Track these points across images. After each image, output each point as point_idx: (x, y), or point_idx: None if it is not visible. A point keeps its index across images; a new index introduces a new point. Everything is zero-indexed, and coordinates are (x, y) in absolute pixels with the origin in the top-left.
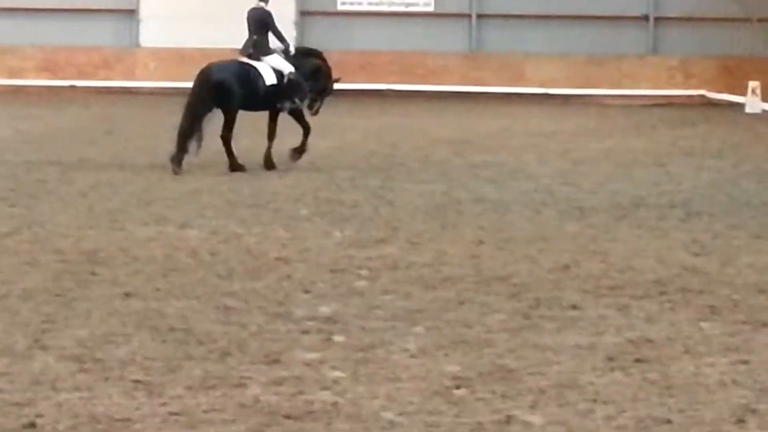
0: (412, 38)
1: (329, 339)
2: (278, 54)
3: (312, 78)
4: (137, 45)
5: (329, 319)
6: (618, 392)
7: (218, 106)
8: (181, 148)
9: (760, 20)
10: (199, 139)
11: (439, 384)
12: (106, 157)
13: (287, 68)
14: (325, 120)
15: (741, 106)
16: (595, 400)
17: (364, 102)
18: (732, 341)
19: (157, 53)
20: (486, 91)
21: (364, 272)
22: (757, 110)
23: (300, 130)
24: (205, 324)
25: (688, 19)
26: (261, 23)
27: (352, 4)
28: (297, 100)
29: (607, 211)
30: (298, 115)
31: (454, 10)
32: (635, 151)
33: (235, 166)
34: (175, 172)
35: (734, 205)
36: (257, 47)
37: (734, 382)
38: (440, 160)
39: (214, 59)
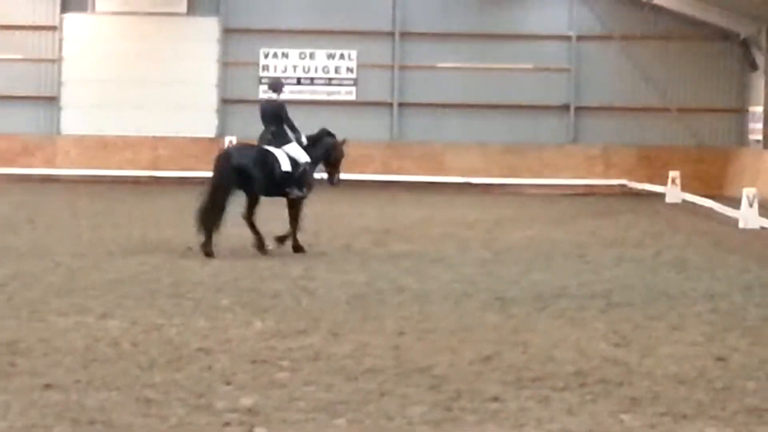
0: (334, 127)
1: (251, 431)
2: (296, 144)
3: (326, 154)
4: (58, 132)
5: (250, 411)
6: None
7: (240, 189)
8: (208, 232)
9: (679, 110)
10: (221, 219)
11: None
12: (26, 245)
13: (304, 158)
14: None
15: (661, 195)
16: None
17: None
18: None
19: (79, 140)
20: (407, 180)
21: (285, 363)
22: (677, 200)
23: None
24: (126, 416)
25: (608, 109)
26: (276, 115)
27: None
28: (304, 190)
29: (528, 301)
30: (298, 205)
31: (375, 98)
32: (556, 241)
33: (260, 244)
34: (208, 255)
35: (654, 296)
36: (276, 137)
37: None
38: (361, 250)
39: (135, 146)
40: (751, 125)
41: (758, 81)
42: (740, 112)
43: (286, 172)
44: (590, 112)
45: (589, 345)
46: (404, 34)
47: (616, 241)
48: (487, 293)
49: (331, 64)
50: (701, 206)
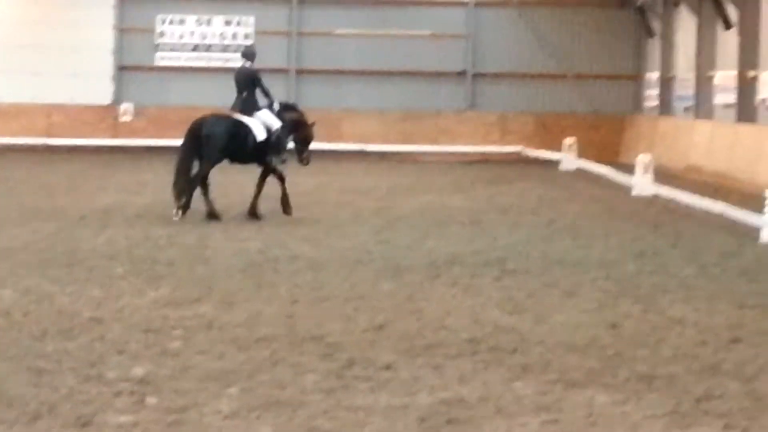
0: (230, 93)
1: (142, 401)
2: (267, 110)
3: (294, 130)
4: None
5: (142, 381)
6: None
7: (201, 157)
8: (179, 198)
9: (575, 77)
10: (193, 186)
11: None
12: None
13: (276, 124)
14: (141, 176)
15: (557, 162)
16: None
17: None
18: (544, 400)
19: None
20: None
21: (178, 332)
22: (572, 167)
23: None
24: (17, 386)
25: (505, 75)
26: (249, 82)
27: (170, 59)
28: (282, 156)
29: (422, 269)
30: (274, 170)
31: (272, 65)
32: (451, 208)
33: (211, 213)
34: (177, 215)
35: (548, 263)
36: (248, 105)
37: None
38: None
39: (28, 114)
40: (647, 92)
41: (654, 48)
42: (636, 79)
43: (262, 141)
44: (487, 79)
45: (483, 312)
46: (302, 1)
47: (511, 208)
48: (382, 261)
49: (228, 30)
50: (596, 173)
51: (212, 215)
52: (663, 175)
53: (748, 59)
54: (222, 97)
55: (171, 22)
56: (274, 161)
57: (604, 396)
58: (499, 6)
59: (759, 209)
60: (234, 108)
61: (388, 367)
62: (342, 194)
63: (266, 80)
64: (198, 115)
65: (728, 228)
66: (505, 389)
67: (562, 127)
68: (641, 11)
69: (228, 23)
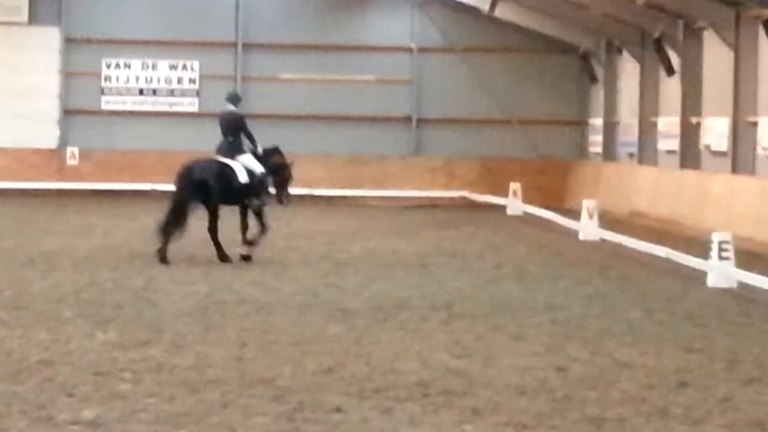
0: (176, 137)
1: None
2: (250, 155)
3: (276, 173)
4: None
5: (92, 423)
6: None
7: (201, 202)
8: (166, 240)
9: (520, 122)
10: (182, 231)
11: None
12: None
13: (258, 169)
14: (88, 220)
15: (503, 207)
16: None
17: (128, 202)
18: None
19: None
20: None
21: (127, 375)
22: (518, 212)
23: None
24: None
25: (450, 121)
26: (235, 126)
27: (116, 103)
28: (263, 199)
29: (370, 312)
30: (260, 213)
31: (218, 109)
32: (398, 252)
33: (222, 256)
34: (163, 261)
35: (496, 307)
36: (232, 148)
37: None
38: (204, 261)
39: None
40: (591, 137)
41: (598, 93)
42: (580, 125)
43: (245, 184)
44: (432, 124)
45: (432, 356)
46: (247, 45)
47: (458, 252)
48: (330, 305)
49: (174, 74)
50: (542, 218)
51: (225, 258)
52: (608, 220)
53: (690, 105)
54: (167, 141)
55: (117, 66)
56: (255, 203)
57: None
58: (444, 52)
59: (704, 254)
60: (219, 151)
61: (338, 410)
62: (289, 238)
63: (212, 125)
64: (144, 159)
65: (674, 272)
66: None
67: (507, 172)
68: (585, 57)
69: (173, 67)
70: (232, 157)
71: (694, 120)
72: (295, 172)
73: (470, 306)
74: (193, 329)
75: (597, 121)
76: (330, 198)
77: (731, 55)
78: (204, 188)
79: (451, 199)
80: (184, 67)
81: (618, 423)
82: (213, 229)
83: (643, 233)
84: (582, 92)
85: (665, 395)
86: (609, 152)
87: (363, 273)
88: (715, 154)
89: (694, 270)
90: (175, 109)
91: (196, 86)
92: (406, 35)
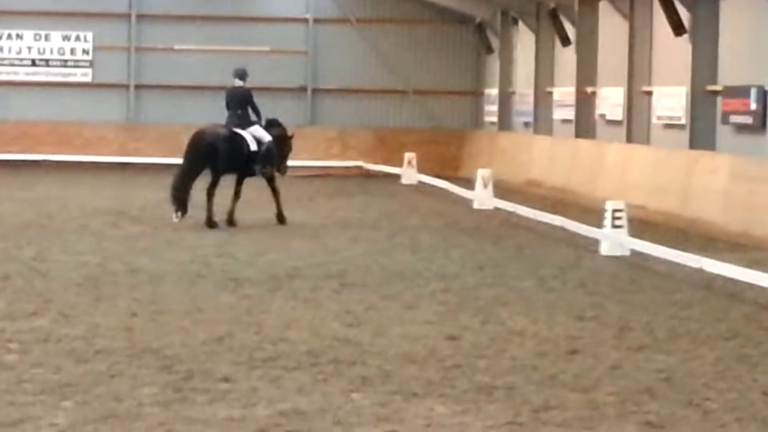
0: (69, 108)
1: None
2: (258, 126)
3: (277, 145)
4: None
5: None
6: None
7: (207, 166)
8: (181, 203)
9: (415, 92)
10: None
11: None
12: None
13: (266, 137)
14: None
15: (397, 177)
16: None
17: (19, 172)
18: (383, 412)
19: None
20: (144, 162)
21: (14, 345)
22: (413, 181)
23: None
24: None
25: (345, 91)
26: (243, 100)
27: (8, 74)
28: (269, 166)
29: (262, 282)
30: (272, 179)
31: (111, 80)
32: (292, 222)
33: (210, 221)
34: (212, 226)
35: (388, 276)
36: (242, 121)
37: None
38: (96, 231)
39: None
40: (487, 107)
41: (493, 64)
42: (476, 95)
43: (253, 152)
44: (328, 95)
45: (323, 325)
46: (141, 16)
47: (352, 222)
48: (222, 274)
49: (67, 45)
50: (436, 187)
51: (211, 223)
52: (503, 190)
53: (585, 76)
54: (60, 112)
55: (9, 37)
56: (260, 170)
57: (443, 407)
58: (339, 22)
59: (598, 222)
60: (229, 124)
61: (226, 380)
62: None
63: (106, 95)
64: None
65: (568, 241)
66: (344, 401)
67: (402, 142)
68: (480, 28)
69: (66, 38)
70: (242, 128)
71: (589, 90)
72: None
73: (363, 275)
74: (82, 299)
75: (492, 92)
76: None
77: (626, 25)
78: (213, 153)
79: (347, 168)
80: (77, 38)
81: (508, 391)
82: (211, 193)
83: (537, 202)
84: (478, 63)
85: (556, 363)
86: (504, 122)
87: (257, 243)
88: (610, 123)
89: (588, 238)
90: (69, 79)
91: (90, 57)
92: (302, 6)
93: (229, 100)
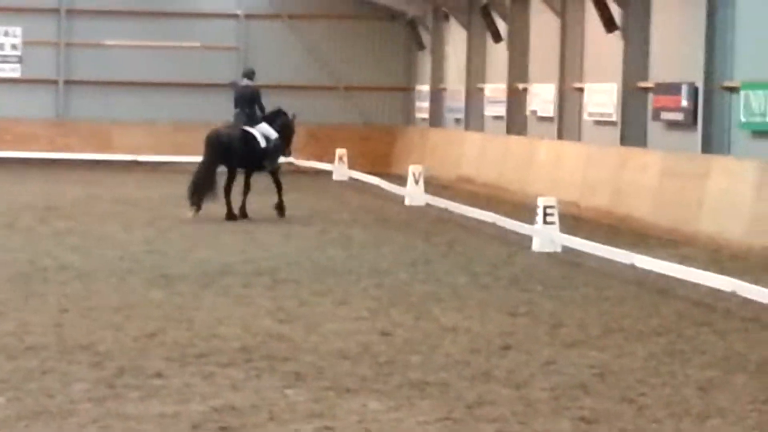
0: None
1: None
2: (265, 124)
3: (282, 130)
4: None
5: None
6: None
7: (223, 164)
8: (198, 201)
9: (346, 88)
10: (214, 191)
11: None
12: None
13: (274, 135)
14: None
15: (329, 173)
16: None
17: None
18: (317, 407)
19: None
20: (73, 158)
21: None
22: (345, 177)
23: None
24: None
25: (276, 87)
26: (251, 99)
27: None
28: (275, 162)
29: (194, 278)
30: (276, 173)
31: (41, 76)
32: (223, 218)
33: (230, 214)
34: (233, 219)
35: (320, 272)
36: (249, 119)
37: None
38: (25, 228)
39: None
40: (418, 104)
41: (424, 60)
42: (407, 91)
43: (263, 149)
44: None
45: (255, 321)
46: (70, 11)
47: (284, 218)
48: (153, 271)
49: None
50: (368, 183)
51: (231, 216)
52: (435, 186)
53: (517, 72)
54: None
55: None
56: (269, 165)
57: (376, 402)
58: (270, 18)
59: (530, 219)
60: (237, 122)
61: (159, 375)
62: (113, 204)
63: (35, 90)
64: None
65: (500, 237)
66: (278, 396)
67: (333, 138)
68: (412, 24)
69: None
70: (251, 126)
71: (520, 86)
72: (116, 139)
73: (295, 272)
74: (12, 296)
75: (424, 88)
76: (156, 165)
77: (558, 21)
78: (228, 152)
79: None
80: (6, 33)
81: (441, 387)
82: (228, 189)
83: (469, 198)
84: (409, 59)
85: (489, 359)
86: (436, 118)
87: (187, 239)
88: (542, 120)
89: (520, 235)
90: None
91: (19, 52)
92: (233, 2)
93: (238, 99)
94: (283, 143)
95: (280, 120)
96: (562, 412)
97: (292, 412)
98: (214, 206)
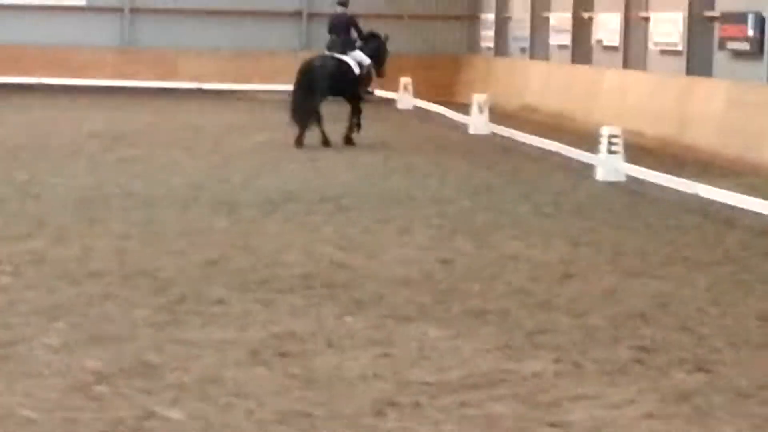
0: (63, 32)
1: None
2: (359, 51)
3: (376, 53)
4: None
5: None
6: (260, 386)
7: (316, 92)
8: (302, 127)
9: (410, 17)
10: (317, 117)
11: (80, 380)
12: None
13: (366, 61)
14: None
15: (393, 101)
16: (236, 395)
17: (14, 96)
18: (376, 335)
19: None
20: (139, 86)
21: (8, 268)
22: (409, 106)
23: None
24: None
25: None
26: (347, 26)
27: None
28: (369, 89)
29: (257, 206)
30: (360, 100)
31: (105, 4)
32: (287, 146)
33: (325, 141)
34: (299, 145)
35: (383, 200)
36: (344, 45)
37: (375, 375)
38: (90, 155)
39: None
40: (483, 32)
41: None
42: (472, 20)
43: (358, 76)
44: (322, 19)
45: (317, 248)
46: None
47: (347, 146)
48: (216, 198)
49: None
50: (432, 112)
51: (326, 142)
52: (499, 115)
53: (582, 0)
54: (54, 36)
55: None
56: (362, 92)
57: (436, 330)
58: None
59: (594, 148)
60: (332, 48)
61: (220, 302)
62: (177, 132)
63: (100, 18)
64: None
65: (564, 166)
66: (337, 324)
67: (398, 66)
68: None
69: None
70: (345, 52)
71: (585, 15)
72: (182, 66)
73: (357, 199)
74: (76, 222)
75: (489, 16)
76: (220, 92)
77: None
78: (322, 79)
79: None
80: None
81: (501, 315)
82: (319, 114)
83: (533, 128)
84: None
85: (549, 287)
86: (500, 47)
87: (251, 167)
88: (607, 49)
89: (584, 164)
90: (62, 3)
91: None
92: None
93: (333, 26)
94: (378, 66)
95: (373, 44)
96: (621, 340)
97: (351, 339)
98: (281, 134)
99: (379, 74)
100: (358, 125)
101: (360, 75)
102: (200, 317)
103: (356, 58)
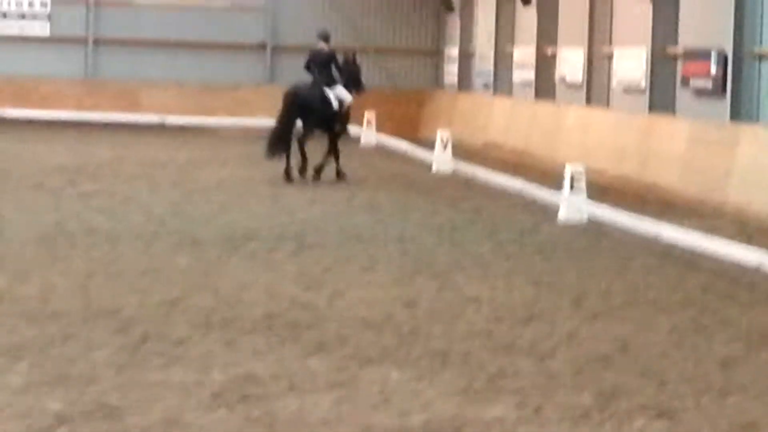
0: (26, 63)
1: None
2: (341, 87)
3: (351, 79)
4: None
5: None
6: (221, 430)
7: (300, 120)
8: (285, 155)
9: (375, 51)
10: (288, 148)
11: (41, 422)
12: None
13: (347, 99)
14: None
15: (356, 137)
16: None
17: None
18: (338, 377)
19: None
20: (101, 119)
21: None
22: (372, 142)
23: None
24: None
25: (305, 49)
26: (327, 63)
27: None
28: (345, 125)
29: (219, 243)
30: (338, 136)
31: (69, 34)
32: (250, 181)
33: (303, 168)
34: (289, 180)
35: (346, 238)
36: (325, 81)
37: (338, 419)
38: (53, 189)
39: None
40: (447, 67)
41: (454, 23)
42: (436, 54)
43: (335, 111)
44: (287, 52)
45: (279, 288)
46: None
47: (310, 182)
48: (178, 234)
49: None
50: (396, 149)
51: (288, 176)
52: (462, 151)
53: (546, 36)
54: (17, 66)
55: None
56: (338, 127)
57: (398, 372)
58: None
59: (557, 187)
60: (315, 83)
61: (181, 343)
62: (139, 166)
63: (63, 49)
64: None
65: (527, 205)
66: (299, 365)
67: (361, 101)
68: None
69: None
70: (329, 87)
71: (549, 51)
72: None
73: (320, 237)
74: (38, 258)
75: (453, 51)
76: (182, 126)
77: None
78: (305, 110)
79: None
80: None
81: (463, 357)
82: (302, 144)
83: (497, 165)
84: (438, 21)
85: (512, 329)
86: (464, 82)
87: (214, 202)
88: (570, 85)
89: (547, 203)
90: (26, 33)
91: (48, 9)
92: None
93: (312, 62)
94: (357, 84)
95: (347, 71)
96: (583, 385)
97: (313, 382)
98: (244, 168)
99: (358, 91)
100: (336, 158)
101: (340, 112)
102: (162, 358)
103: (336, 94)
